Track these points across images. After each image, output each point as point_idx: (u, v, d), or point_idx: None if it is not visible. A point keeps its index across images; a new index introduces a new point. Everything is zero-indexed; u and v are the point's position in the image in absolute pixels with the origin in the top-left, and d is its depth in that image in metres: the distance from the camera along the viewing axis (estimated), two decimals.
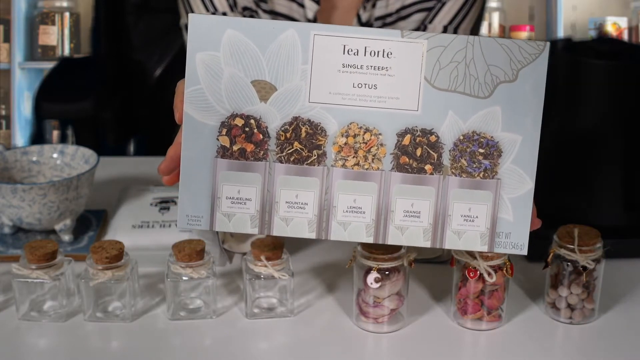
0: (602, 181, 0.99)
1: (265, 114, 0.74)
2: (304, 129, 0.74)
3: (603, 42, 1.05)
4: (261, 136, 0.74)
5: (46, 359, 0.81)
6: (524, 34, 2.93)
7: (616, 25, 3.01)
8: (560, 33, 2.99)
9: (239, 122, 0.74)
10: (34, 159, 1.08)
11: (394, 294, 0.83)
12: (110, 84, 1.95)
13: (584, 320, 0.86)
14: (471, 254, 0.82)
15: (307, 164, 0.74)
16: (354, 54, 0.73)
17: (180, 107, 0.74)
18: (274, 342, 0.83)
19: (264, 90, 0.73)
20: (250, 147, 0.74)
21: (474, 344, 0.84)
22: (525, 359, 0.81)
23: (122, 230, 1.00)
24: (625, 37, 3.02)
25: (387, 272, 0.82)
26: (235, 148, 0.74)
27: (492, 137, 0.74)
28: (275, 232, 0.75)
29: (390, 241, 0.76)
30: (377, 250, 0.81)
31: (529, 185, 0.74)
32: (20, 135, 3.07)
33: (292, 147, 0.74)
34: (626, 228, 0.99)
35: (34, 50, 3.08)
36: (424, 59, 0.73)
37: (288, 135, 0.74)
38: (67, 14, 3.08)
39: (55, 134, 3.09)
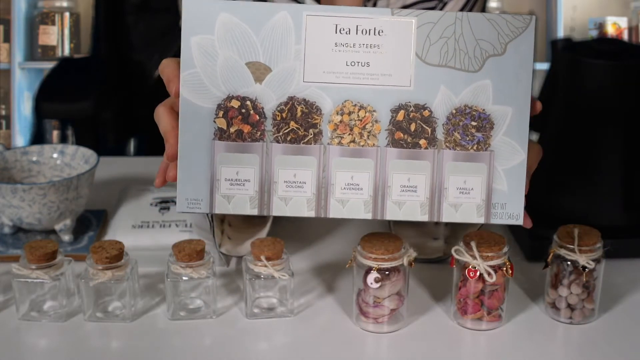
0: (602, 181, 0.99)
1: (261, 95, 0.75)
2: (299, 109, 0.75)
3: (603, 42, 1.05)
4: (257, 117, 0.75)
5: (46, 359, 0.81)
6: None
7: (616, 25, 3.01)
8: (560, 33, 2.99)
9: (235, 103, 0.75)
10: (34, 159, 1.08)
11: (394, 294, 0.83)
12: (110, 84, 1.95)
13: (584, 320, 0.86)
14: (471, 254, 0.82)
15: (303, 143, 0.75)
16: (346, 32, 0.74)
17: (177, 81, 0.74)
18: (274, 342, 0.83)
19: (259, 71, 0.74)
20: (247, 129, 0.75)
21: (474, 344, 0.84)
22: (525, 359, 0.81)
23: (122, 230, 1.00)
24: (625, 37, 3.02)
25: (387, 272, 0.82)
26: (232, 130, 0.75)
27: (483, 110, 0.75)
28: (275, 212, 0.76)
29: (389, 216, 0.76)
30: (377, 250, 0.81)
31: (522, 156, 0.76)
32: (20, 135, 3.07)
33: (289, 127, 0.75)
34: (626, 228, 0.99)
35: (34, 50, 3.08)
36: (414, 35, 0.74)
37: (284, 115, 0.75)
38: (67, 14, 3.08)
39: (55, 134, 3.09)
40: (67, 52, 3.09)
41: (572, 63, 1.00)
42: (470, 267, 0.82)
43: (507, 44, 0.74)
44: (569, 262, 0.84)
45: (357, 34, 0.74)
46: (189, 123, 0.74)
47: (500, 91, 0.75)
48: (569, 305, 0.86)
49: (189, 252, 0.84)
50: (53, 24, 3.06)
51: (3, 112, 3.09)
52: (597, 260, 0.84)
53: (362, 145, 0.75)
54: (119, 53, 1.96)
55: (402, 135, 0.75)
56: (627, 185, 0.99)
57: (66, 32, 3.08)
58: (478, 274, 0.82)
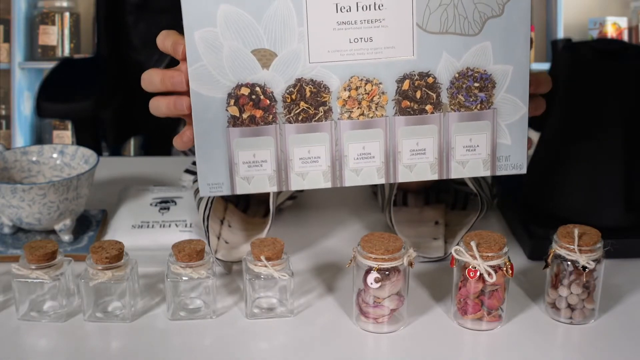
0: (602, 181, 0.99)
1: (269, 80, 0.77)
2: (307, 89, 0.77)
3: (603, 42, 1.05)
4: (268, 101, 0.77)
5: (46, 359, 0.81)
6: None
7: (616, 25, 3.01)
8: (560, 33, 2.99)
9: (245, 91, 0.77)
10: (34, 159, 1.08)
11: (394, 294, 0.83)
12: (110, 84, 1.95)
13: (584, 320, 0.86)
14: (471, 254, 0.82)
15: (314, 121, 0.78)
16: (347, 10, 0.75)
17: (183, 43, 0.76)
18: (274, 342, 0.83)
19: (265, 57, 0.76)
20: (259, 113, 0.77)
21: (474, 344, 0.84)
22: (525, 359, 0.81)
23: (122, 230, 1.00)
24: (625, 37, 3.02)
25: (387, 272, 0.82)
26: (245, 116, 0.77)
27: (485, 70, 0.78)
28: (293, 187, 0.79)
29: (401, 179, 0.80)
30: (377, 250, 0.81)
31: (523, 110, 0.79)
32: (20, 135, 3.07)
33: (299, 107, 0.77)
34: (626, 228, 0.99)
35: (34, 50, 3.08)
36: (413, 6, 0.76)
37: (293, 96, 0.77)
38: (67, 14, 3.08)
39: (55, 134, 3.08)
40: (67, 52, 3.09)
41: (572, 63, 1.00)
42: (470, 267, 0.82)
43: (504, 4, 0.76)
44: (569, 262, 0.84)
45: (357, 10, 0.75)
46: (202, 114, 0.76)
47: (500, 51, 0.77)
48: (569, 305, 0.85)
49: (189, 252, 0.84)
50: (53, 24, 3.06)
51: (3, 112, 3.09)
52: (597, 260, 0.84)
53: (371, 117, 0.78)
54: (119, 53, 1.96)
55: (408, 103, 0.78)
56: (627, 186, 0.99)
57: (66, 32, 3.09)
58: (478, 274, 0.82)
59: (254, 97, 0.76)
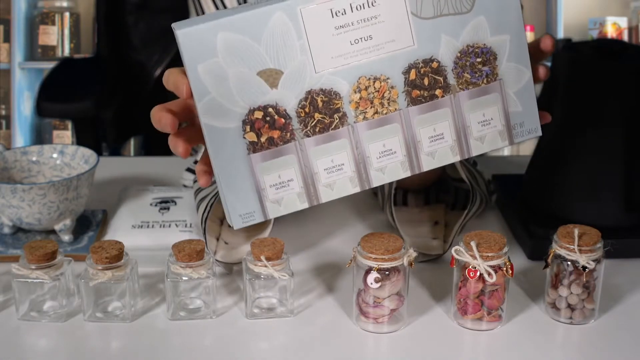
0: (602, 181, 0.99)
1: (280, 98, 0.76)
2: (319, 99, 0.76)
3: (603, 42, 1.05)
4: (283, 120, 0.76)
5: (46, 359, 0.81)
6: None
7: (616, 25, 3.01)
8: (560, 33, 2.99)
9: (259, 114, 0.76)
10: (34, 159, 1.08)
11: (394, 294, 0.83)
12: (110, 84, 1.95)
13: (584, 320, 0.86)
14: (471, 254, 0.82)
15: (332, 130, 0.77)
16: (342, 13, 0.75)
17: (184, 82, 0.74)
18: (274, 342, 0.83)
19: (272, 77, 0.75)
20: (276, 134, 0.76)
21: (474, 344, 0.84)
22: (525, 359, 0.81)
23: (122, 230, 1.00)
24: (625, 37, 3.02)
25: (387, 272, 0.82)
26: (263, 139, 0.76)
27: (484, 44, 0.79)
28: (324, 199, 0.79)
29: (425, 168, 0.80)
30: (377, 250, 0.81)
31: (527, 74, 0.80)
32: (20, 135, 3.07)
33: (314, 119, 0.77)
34: (626, 228, 0.99)
35: (34, 50, 3.08)
36: None
37: (307, 110, 0.77)
38: (67, 14, 3.08)
39: (55, 134, 3.08)
40: (67, 52, 3.09)
41: (572, 63, 1.00)
42: (470, 267, 0.82)
43: None
44: (569, 262, 0.84)
45: (352, 12, 0.75)
46: (220, 147, 0.76)
47: (494, 22, 0.78)
48: (569, 305, 0.85)
49: (189, 252, 0.84)
50: (53, 24, 3.06)
51: (3, 112, 3.09)
52: (597, 260, 0.84)
53: (386, 114, 0.78)
54: (119, 53, 1.96)
55: (418, 92, 0.78)
56: (627, 185, 0.99)
57: (66, 32, 3.09)
58: (478, 274, 0.82)
59: (268, 118, 0.76)
